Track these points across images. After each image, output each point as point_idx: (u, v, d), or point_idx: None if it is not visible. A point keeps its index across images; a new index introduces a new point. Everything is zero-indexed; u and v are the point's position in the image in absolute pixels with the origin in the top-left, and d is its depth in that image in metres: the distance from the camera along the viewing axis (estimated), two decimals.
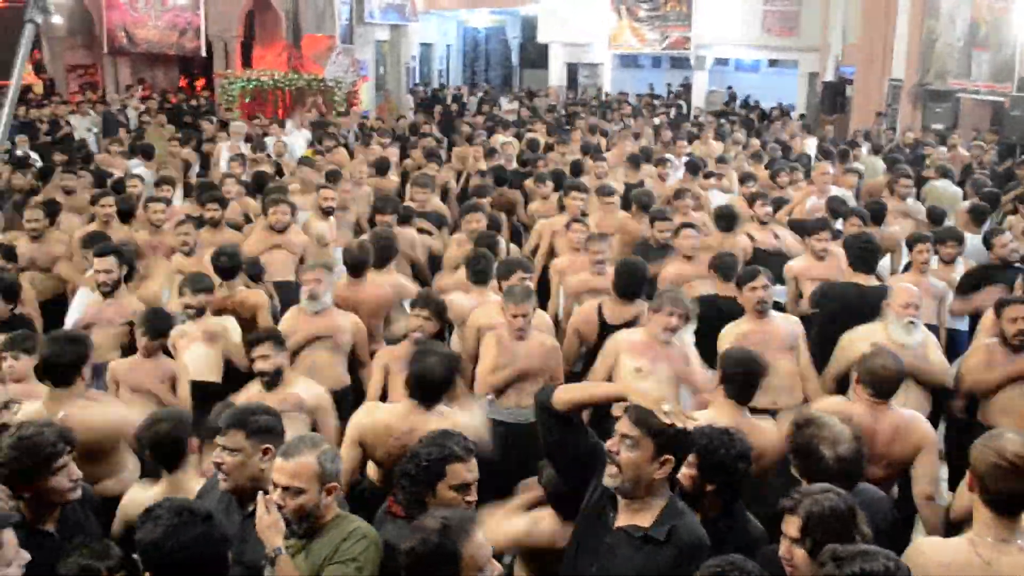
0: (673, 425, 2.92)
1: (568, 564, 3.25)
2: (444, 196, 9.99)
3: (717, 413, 4.13)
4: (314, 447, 3.07)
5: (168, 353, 5.32)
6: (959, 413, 5.25)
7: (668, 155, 11.24)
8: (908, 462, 4.21)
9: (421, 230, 8.00)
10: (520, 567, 3.81)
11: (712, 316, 5.59)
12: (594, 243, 6.57)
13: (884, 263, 7.35)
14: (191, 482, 3.68)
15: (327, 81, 19.63)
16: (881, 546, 2.72)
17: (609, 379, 5.09)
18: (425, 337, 5.07)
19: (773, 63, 26.83)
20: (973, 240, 7.33)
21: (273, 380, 4.66)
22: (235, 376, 5.35)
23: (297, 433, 4.06)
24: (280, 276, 7.06)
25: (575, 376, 5.59)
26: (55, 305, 6.73)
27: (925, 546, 3.11)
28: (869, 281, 6.01)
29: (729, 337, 5.31)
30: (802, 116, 19.73)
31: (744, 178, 9.55)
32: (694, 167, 10.14)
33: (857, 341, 5.06)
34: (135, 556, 2.81)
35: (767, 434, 4.11)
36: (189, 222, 7.03)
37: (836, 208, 8.14)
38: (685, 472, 3.29)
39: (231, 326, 5.65)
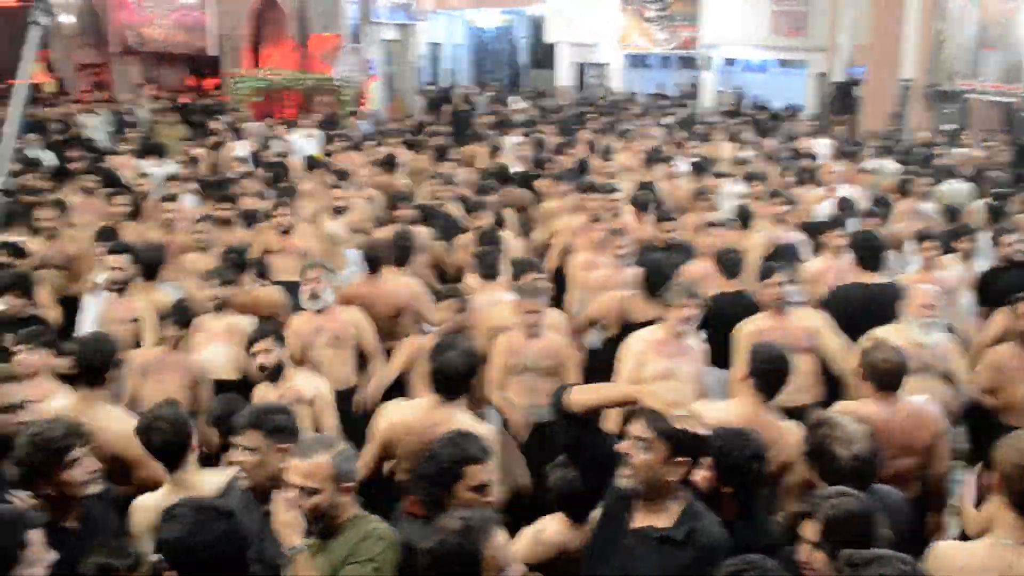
0: (685, 431, 2.93)
1: (586, 565, 3.25)
2: None
3: (740, 407, 4.17)
4: (329, 447, 3.07)
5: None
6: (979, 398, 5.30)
7: (673, 155, 11.26)
8: (929, 447, 4.23)
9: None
10: None
11: (718, 313, 5.59)
12: (616, 237, 6.60)
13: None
14: (194, 477, 3.69)
15: (336, 81, 19.66)
16: (899, 548, 2.72)
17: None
18: (453, 328, 5.17)
19: (782, 63, 26.76)
20: (987, 238, 7.34)
21: (275, 374, 4.76)
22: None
23: (305, 421, 4.12)
24: (285, 276, 7.08)
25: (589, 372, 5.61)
26: (68, 305, 6.72)
27: (945, 549, 3.10)
28: (876, 279, 6.01)
29: (746, 333, 5.31)
30: (816, 118, 19.68)
31: (750, 177, 9.55)
32: (700, 168, 10.11)
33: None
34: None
35: (787, 434, 4.10)
36: (206, 220, 7.07)
37: (843, 209, 8.13)
38: (701, 475, 3.28)
39: (249, 324, 5.69)
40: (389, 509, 3.63)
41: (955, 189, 10.00)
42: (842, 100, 20.74)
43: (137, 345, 5.53)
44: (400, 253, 6.50)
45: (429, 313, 5.97)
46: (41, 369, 4.60)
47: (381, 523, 3.16)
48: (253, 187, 9.04)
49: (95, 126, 16.17)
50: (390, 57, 24.05)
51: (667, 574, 2.95)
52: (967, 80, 16.90)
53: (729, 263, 6.18)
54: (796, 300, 5.59)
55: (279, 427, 3.41)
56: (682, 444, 2.97)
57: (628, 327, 5.63)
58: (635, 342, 5.25)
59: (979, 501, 3.97)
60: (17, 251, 6.71)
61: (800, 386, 5.17)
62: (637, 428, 3.01)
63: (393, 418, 4.24)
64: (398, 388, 5.51)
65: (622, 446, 3.03)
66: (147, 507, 3.56)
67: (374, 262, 6.29)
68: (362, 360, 5.90)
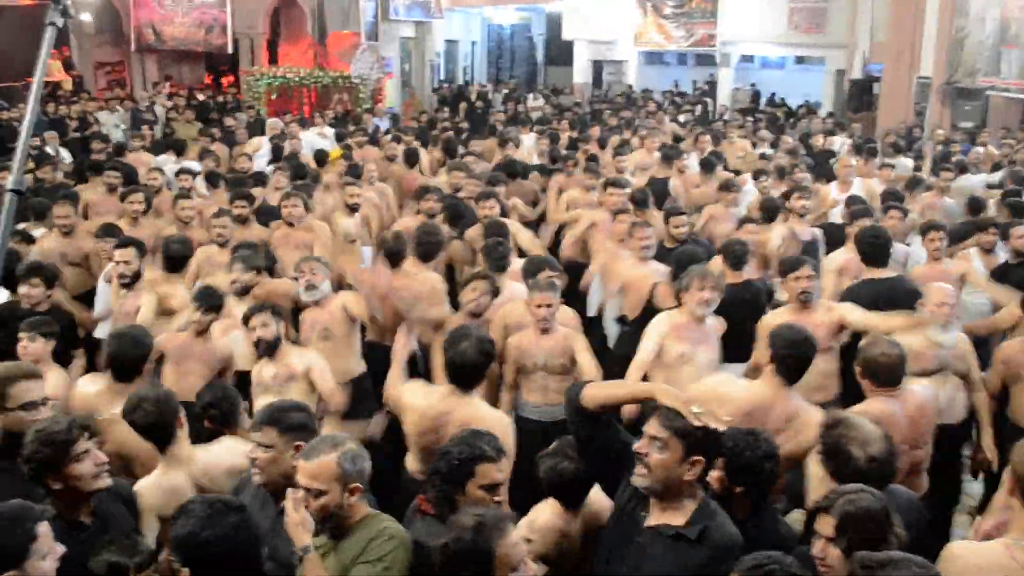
0: (704, 427, 2.91)
1: (599, 563, 3.24)
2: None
3: (762, 386, 4.19)
4: (334, 448, 3.04)
5: None
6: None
7: (688, 152, 11.23)
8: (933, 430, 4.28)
9: None
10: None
11: (726, 305, 5.57)
12: (639, 229, 6.59)
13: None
14: (186, 452, 3.72)
15: (352, 78, 19.71)
16: (913, 548, 2.70)
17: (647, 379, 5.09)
18: (481, 310, 5.30)
19: (800, 60, 26.66)
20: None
21: (272, 348, 4.87)
22: None
23: (297, 399, 4.20)
24: (293, 272, 7.09)
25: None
26: (84, 300, 6.77)
27: (960, 549, 3.06)
28: (883, 273, 5.98)
29: (767, 325, 5.28)
30: (831, 114, 19.59)
31: (758, 174, 9.52)
32: (709, 165, 10.07)
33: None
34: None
35: (809, 417, 4.09)
36: (225, 215, 7.11)
37: (852, 207, 8.09)
38: (713, 475, 3.27)
39: None
40: (401, 505, 3.63)
41: (971, 184, 9.97)
42: (860, 97, 20.65)
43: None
44: (425, 248, 6.33)
45: (438, 313, 5.95)
46: (43, 358, 4.63)
47: (392, 522, 3.14)
48: (281, 181, 9.06)
49: (112, 123, 16.27)
50: (407, 55, 24.10)
51: (681, 572, 2.94)
52: (987, 77, 16.78)
53: (735, 255, 6.17)
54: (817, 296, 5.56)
55: (295, 424, 3.41)
56: (697, 443, 2.96)
57: (649, 312, 5.64)
58: (660, 321, 5.26)
59: None
60: (27, 237, 6.76)
61: (817, 385, 5.15)
62: (652, 427, 3.00)
63: (406, 399, 4.26)
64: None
65: (638, 445, 3.02)
66: (147, 487, 3.61)
67: (395, 256, 6.24)
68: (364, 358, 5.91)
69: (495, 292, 5.52)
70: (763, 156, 11.33)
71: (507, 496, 3.33)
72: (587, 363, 5.18)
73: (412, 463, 4.36)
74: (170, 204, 8.27)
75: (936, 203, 8.83)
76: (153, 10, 21.86)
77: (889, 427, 3.76)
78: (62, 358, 5.19)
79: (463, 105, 20.29)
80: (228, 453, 3.85)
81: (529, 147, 12.86)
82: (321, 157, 11.10)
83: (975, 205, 8.49)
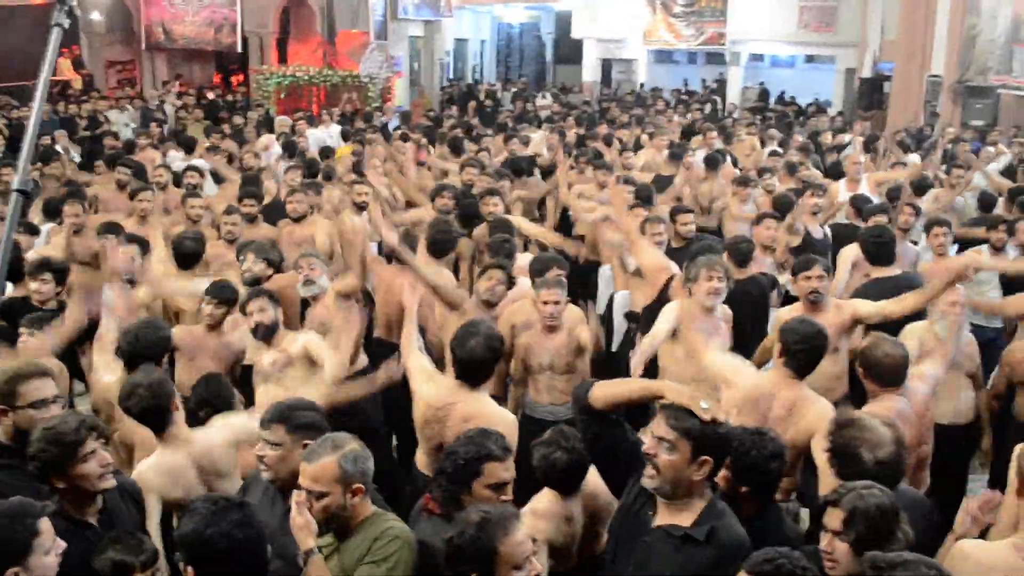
0: (714, 421, 2.91)
1: (607, 562, 3.24)
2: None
3: (773, 375, 4.21)
4: (335, 449, 3.03)
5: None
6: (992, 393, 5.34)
7: (695, 147, 11.23)
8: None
9: None
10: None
11: (731, 302, 5.57)
12: (652, 225, 6.59)
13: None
14: (184, 433, 3.74)
15: (362, 77, 19.72)
16: (921, 549, 2.69)
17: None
18: (496, 300, 5.34)
19: (809, 59, 26.58)
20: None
21: (270, 332, 4.90)
22: None
23: (297, 384, 4.29)
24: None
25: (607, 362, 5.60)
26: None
27: (968, 548, 3.06)
28: (890, 272, 5.95)
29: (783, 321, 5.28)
30: (840, 113, 19.55)
31: (762, 172, 9.49)
32: (714, 161, 10.04)
33: (906, 340, 5.00)
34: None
35: (818, 408, 4.09)
36: (235, 213, 7.13)
37: (859, 205, 8.08)
38: (719, 474, 3.26)
39: None
40: (411, 501, 3.62)
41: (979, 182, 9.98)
42: (870, 96, 20.58)
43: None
44: (439, 244, 6.28)
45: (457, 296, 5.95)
46: (43, 353, 4.63)
47: (396, 522, 3.14)
48: (295, 180, 9.07)
49: (123, 122, 16.31)
50: (416, 53, 24.12)
51: (687, 573, 2.94)
52: (999, 76, 16.70)
53: (740, 252, 6.15)
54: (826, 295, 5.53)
55: (304, 423, 3.40)
56: (705, 443, 2.95)
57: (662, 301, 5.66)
58: (673, 307, 5.25)
59: None
60: (31, 228, 6.79)
61: (821, 387, 5.13)
62: (660, 428, 2.99)
63: (416, 385, 4.28)
64: None
65: (647, 447, 3.01)
66: (147, 469, 3.63)
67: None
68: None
69: (511, 283, 5.51)
70: (773, 154, 11.30)
71: (511, 495, 3.32)
72: (586, 335, 5.19)
73: (420, 457, 4.38)
74: (177, 201, 8.29)
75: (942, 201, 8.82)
76: (163, 9, 21.92)
77: (902, 425, 3.76)
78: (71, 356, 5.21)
79: (472, 104, 20.29)
80: (223, 429, 3.87)
81: (536, 142, 12.84)
82: (327, 154, 11.11)
83: (986, 202, 8.48)
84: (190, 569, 2.71)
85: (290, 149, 11.74)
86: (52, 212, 7.71)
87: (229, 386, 4.42)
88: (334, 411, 3.66)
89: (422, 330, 4.86)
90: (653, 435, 3.00)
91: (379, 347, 6.01)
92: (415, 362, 4.38)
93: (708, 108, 21.10)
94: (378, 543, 3.01)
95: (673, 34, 24.92)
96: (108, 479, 3.17)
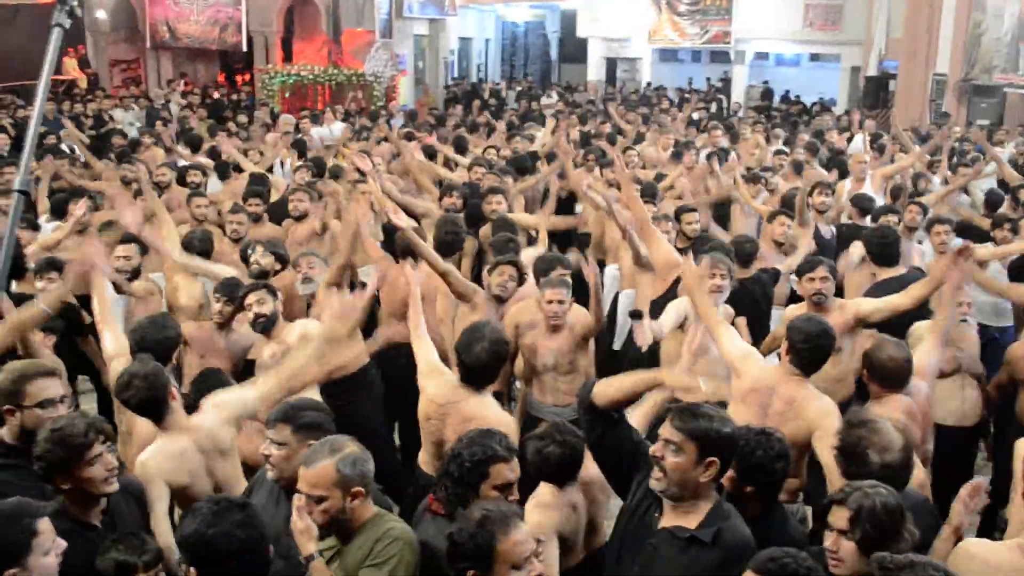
0: (718, 429, 2.91)
1: (610, 562, 3.24)
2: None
3: (779, 369, 4.20)
4: (333, 453, 3.01)
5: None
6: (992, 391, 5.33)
7: (701, 145, 11.20)
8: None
9: None
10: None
11: (735, 301, 5.57)
12: (660, 223, 6.62)
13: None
14: (182, 421, 3.73)
15: (366, 76, 19.72)
16: (924, 551, 2.68)
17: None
18: (507, 295, 5.35)
19: (814, 57, 26.55)
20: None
21: (269, 324, 4.95)
22: None
23: None
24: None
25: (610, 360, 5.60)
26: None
27: (974, 548, 3.04)
28: (894, 273, 5.94)
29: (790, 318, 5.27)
30: (847, 112, 19.52)
31: (764, 171, 9.48)
32: (716, 160, 10.00)
33: (912, 339, 5.00)
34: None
35: (821, 406, 4.08)
36: (241, 212, 7.14)
37: (863, 205, 8.07)
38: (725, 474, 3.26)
39: None
40: (410, 503, 3.62)
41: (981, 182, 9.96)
42: (875, 95, 20.54)
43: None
44: (447, 243, 6.25)
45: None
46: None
47: (398, 523, 3.13)
48: (304, 177, 9.07)
49: (128, 121, 16.32)
50: (420, 52, 24.11)
51: (693, 574, 2.94)
52: (1005, 74, 16.68)
53: (743, 252, 6.15)
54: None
55: (308, 423, 3.40)
56: (712, 444, 2.95)
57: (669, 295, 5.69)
58: (684, 302, 5.24)
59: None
60: (33, 225, 6.80)
61: (824, 387, 5.13)
62: (667, 431, 2.99)
63: (422, 380, 4.29)
64: None
65: (653, 449, 3.02)
66: (150, 456, 3.61)
67: (404, 251, 6.19)
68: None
69: (521, 279, 5.51)
70: (779, 153, 11.27)
71: (518, 495, 3.32)
72: (583, 320, 5.21)
73: (422, 455, 4.38)
74: (180, 200, 8.30)
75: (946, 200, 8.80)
76: (168, 8, 21.94)
77: (911, 425, 3.76)
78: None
79: (476, 103, 20.29)
80: (218, 408, 3.86)
81: (540, 138, 12.82)
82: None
83: (993, 201, 8.48)
84: (192, 570, 2.71)
85: (299, 147, 11.76)
86: (59, 211, 7.71)
87: (229, 380, 4.42)
88: (335, 412, 3.63)
89: None
90: (660, 437, 3.00)
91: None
92: (424, 354, 4.39)
93: (713, 107, 21.06)
94: (379, 545, 3.00)
95: (678, 33, 24.89)
96: (112, 483, 3.17)
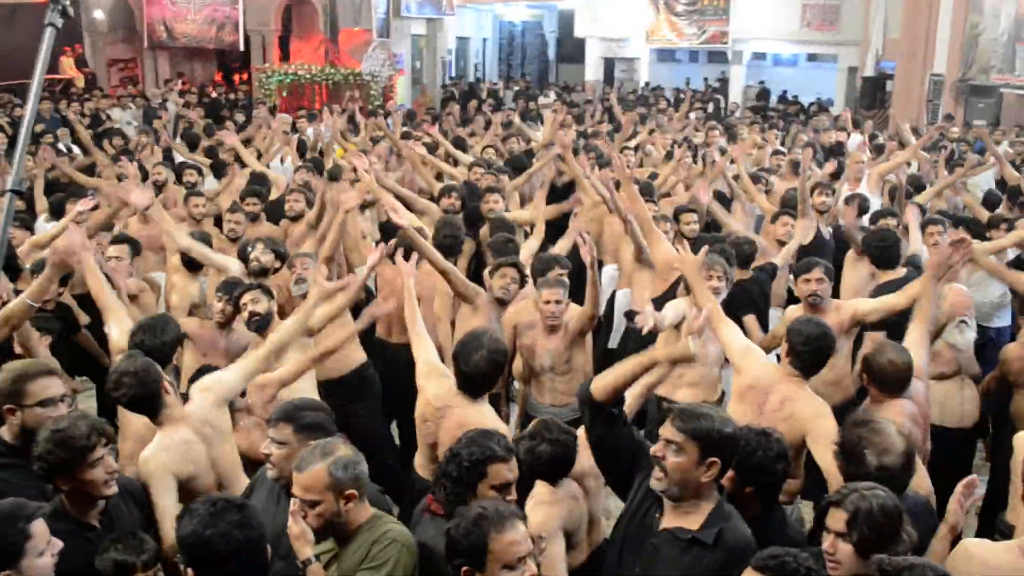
0: (720, 430, 2.92)
1: (611, 564, 3.23)
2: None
3: (775, 371, 4.22)
4: (324, 457, 2.99)
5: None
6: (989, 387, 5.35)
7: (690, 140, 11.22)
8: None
9: None
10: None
11: (733, 302, 5.57)
12: (660, 223, 6.64)
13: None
14: (178, 412, 3.72)
15: (364, 75, 19.70)
16: (923, 553, 2.68)
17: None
18: (509, 298, 5.34)
19: (812, 57, 26.57)
20: None
21: (263, 323, 4.94)
22: None
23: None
24: None
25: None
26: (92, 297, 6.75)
27: (974, 549, 3.04)
28: (896, 275, 5.95)
29: (790, 320, 5.26)
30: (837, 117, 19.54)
31: (761, 172, 9.48)
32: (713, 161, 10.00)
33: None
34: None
35: (803, 406, 4.08)
36: (239, 211, 7.13)
37: (860, 205, 8.07)
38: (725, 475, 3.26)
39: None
40: (406, 508, 3.61)
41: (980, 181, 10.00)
42: (873, 95, 20.55)
43: None
44: (448, 244, 6.21)
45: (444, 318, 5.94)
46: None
47: (395, 524, 3.12)
48: (304, 178, 9.06)
49: (125, 120, 16.30)
50: (418, 52, 24.10)
51: (694, 575, 2.94)
52: (1001, 75, 16.69)
53: (742, 253, 6.16)
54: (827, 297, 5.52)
55: (310, 423, 3.39)
56: (713, 444, 2.96)
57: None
58: (684, 302, 5.25)
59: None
60: (27, 224, 6.83)
61: (820, 392, 5.12)
62: (668, 431, 3.00)
63: (422, 380, 4.29)
64: None
65: (655, 449, 3.02)
66: (154, 451, 3.59)
67: (407, 252, 6.16)
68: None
69: (523, 281, 5.51)
70: (776, 153, 11.27)
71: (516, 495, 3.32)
72: (577, 314, 5.21)
73: (418, 458, 4.38)
74: (175, 198, 8.30)
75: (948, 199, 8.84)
76: (165, 7, 21.91)
77: (914, 428, 3.75)
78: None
79: (473, 103, 20.26)
80: (205, 392, 3.87)
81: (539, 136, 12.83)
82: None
83: (991, 201, 8.50)
84: (190, 571, 2.71)
85: (301, 148, 11.75)
86: (57, 212, 7.70)
87: None
88: (334, 413, 3.63)
89: None
90: (661, 437, 3.00)
91: (379, 348, 6.00)
92: (423, 353, 4.38)
93: (711, 107, 21.06)
94: (376, 547, 2.99)
95: (676, 33, 24.88)
96: (112, 485, 3.17)
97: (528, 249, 6.44)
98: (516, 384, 5.75)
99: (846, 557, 2.86)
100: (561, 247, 6.47)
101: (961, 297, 5.13)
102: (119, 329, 4.54)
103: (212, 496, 2.87)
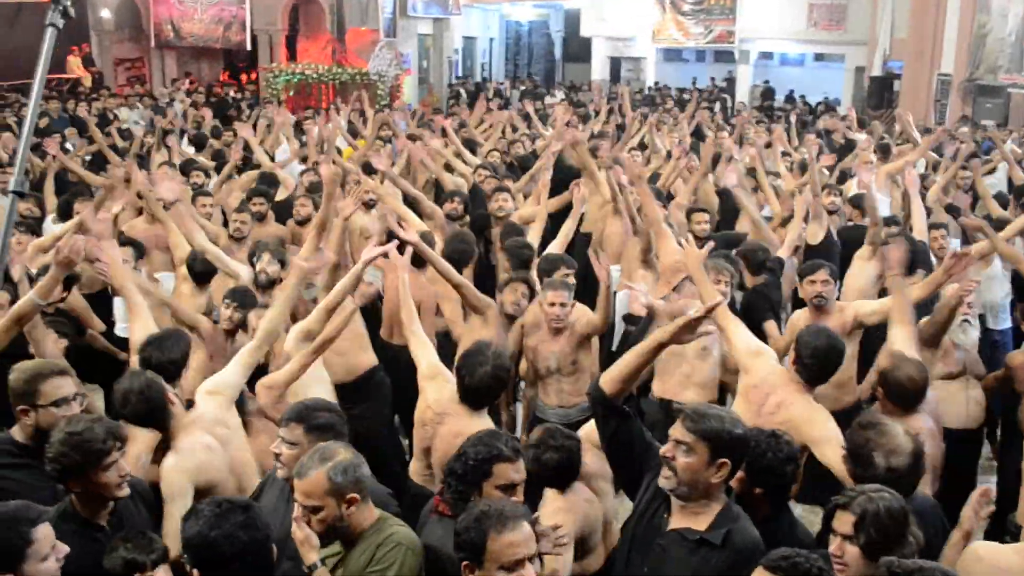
0: (730, 431, 2.92)
1: (619, 563, 3.23)
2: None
3: (781, 375, 4.19)
4: (323, 462, 2.98)
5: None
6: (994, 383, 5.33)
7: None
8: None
9: None
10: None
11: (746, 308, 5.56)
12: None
13: None
14: (187, 419, 3.72)
15: (371, 75, 19.71)
16: (931, 554, 2.67)
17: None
18: (519, 313, 5.29)
19: (819, 57, 26.52)
20: None
21: (270, 284, 5.47)
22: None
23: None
24: None
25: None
26: (101, 298, 6.76)
27: (982, 551, 3.03)
28: (910, 281, 5.93)
29: (797, 325, 5.26)
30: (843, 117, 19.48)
31: (767, 174, 9.45)
32: (715, 160, 9.97)
33: None
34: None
35: (797, 412, 4.06)
36: (245, 211, 7.13)
37: (858, 204, 8.06)
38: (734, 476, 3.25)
39: None
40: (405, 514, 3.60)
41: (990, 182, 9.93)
42: (880, 95, 20.50)
43: None
44: (457, 256, 6.13)
45: (454, 320, 5.94)
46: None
47: (400, 527, 3.11)
48: (309, 180, 9.06)
49: (132, 120, 16.33)
50: (425, 51, 24.11)
51: None
52: (1009, 74, 16.64)
53: (755, 260, 6.14)
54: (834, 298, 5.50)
55: (321, 424, 3.39)
56: (723, 445, 2.95)
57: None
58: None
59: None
60: (32, 229, 6.83)
61: (824, 396, 5.09)
62: (678, 431, 2.99)
63: (424, 383, 4.29)
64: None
65: (664, 449, 3.02)
66: (175, 463, 3.58)
67: (415, 258, 6.13)
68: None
69: (533, 296, 5.47)
70: (784, 154, 11.23)
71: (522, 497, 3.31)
72: (586, 320, 5.20)
73: (414, 464, 4.37)
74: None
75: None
76: (172, 7, 21.96)
77: (930, 443, 3.73)
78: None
79: (480, 102, 20.23)
80: (213, 393, 3.89)
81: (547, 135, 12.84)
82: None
83: (999, 202, 8.47)
84: (195, 572, 2.71)
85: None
86: (65, 213, 7.70)
87: None
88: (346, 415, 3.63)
89: None
90: (671, 438, 3.00)
91: (383, 351, 5.99)
92: (424, 355, 4.37)
93: (717, 107, 21.03)
94: (381, 550, 2.98)
95: (682, 32, 24.86)
96: (124, 488, 3.17)
97: (531, 235, 6.51)
98: (523, 385, 5.74)
99: (853, 559, 2.85)
100: (559, 244, 6.50)
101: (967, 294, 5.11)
102: (142, 327, 4.52)
103: (217, 498, 2.87)
